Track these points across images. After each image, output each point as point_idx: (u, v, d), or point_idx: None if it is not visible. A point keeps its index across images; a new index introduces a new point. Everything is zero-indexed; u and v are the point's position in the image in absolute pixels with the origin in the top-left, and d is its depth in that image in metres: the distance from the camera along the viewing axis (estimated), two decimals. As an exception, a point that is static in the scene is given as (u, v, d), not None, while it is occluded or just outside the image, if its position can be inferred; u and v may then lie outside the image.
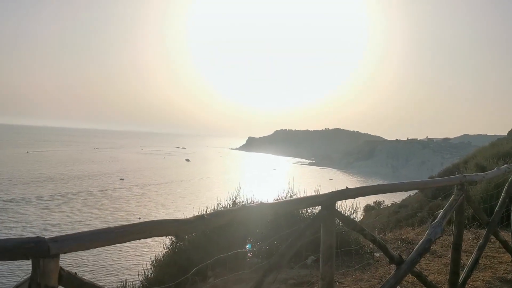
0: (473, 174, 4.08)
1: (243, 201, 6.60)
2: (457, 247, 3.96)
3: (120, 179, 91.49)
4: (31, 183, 74.49)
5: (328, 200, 2.73)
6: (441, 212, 3.66)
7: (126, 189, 79.33)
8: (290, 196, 6.94)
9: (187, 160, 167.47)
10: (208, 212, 7.23)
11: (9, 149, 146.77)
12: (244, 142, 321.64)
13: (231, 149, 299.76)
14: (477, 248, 4.47)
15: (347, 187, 2.93)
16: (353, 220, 2.96)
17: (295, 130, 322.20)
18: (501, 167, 4.80)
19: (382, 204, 52.98)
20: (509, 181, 4.91)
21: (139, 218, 55.05)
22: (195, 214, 2.43)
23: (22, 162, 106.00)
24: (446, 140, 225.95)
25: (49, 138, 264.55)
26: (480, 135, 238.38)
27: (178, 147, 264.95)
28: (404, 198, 49.25)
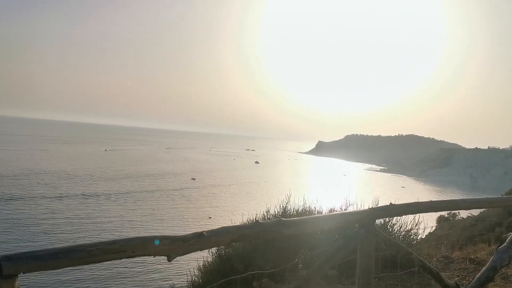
0: (554, 192, 3.49)
1: (293, 209, 6.27)
2: (530, 277, 3.38)
3: (192, 179, 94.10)
4: (111, 179, 78.75)
5: (367, 217, 2.36)
6: (510, 235, 3.12)
7: (197, 189, 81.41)
8: (346, 207, 6.50)
9: (256, 162, 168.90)
10: (260, 219, 6.99)
11: (89, 146, 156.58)
12: (313, 146, 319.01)
13: (301, 152, 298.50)
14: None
15: (390, 203, 2.53)
16: (396, 242, 2.55)
17: (366, 135, 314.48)
18: None
19: (457, 215, 50.00)
20: None
21: (210, 217, 56.24)
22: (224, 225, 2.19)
23: (101, 160, 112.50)
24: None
25: (124, 137, 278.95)
26: None
27: (248, 149, 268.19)
28: (482, 210, 46.17)
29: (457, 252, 6.96)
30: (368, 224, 2.36)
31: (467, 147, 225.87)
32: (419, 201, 2.66)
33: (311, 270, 2.26)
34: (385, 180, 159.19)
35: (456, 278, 5.50)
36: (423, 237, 7.57)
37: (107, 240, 1.55)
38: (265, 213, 6.17)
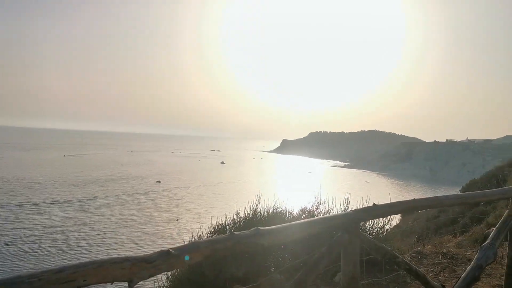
0: (532, 184, 3.40)
1: (264, 210, 6.05)
2: (512, 273, 3.29)
3: (157, 181, 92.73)
4: (73, 185, 76.51)
5: (350, 221, 2.15)
6: (493, 231, 3.00)
7: (163, 192, 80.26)
8: (317, 206, 6.33)
9: (222, 162, 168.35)
10: (230, 223, 6.73)
11: (47, 152, 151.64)
12: (278, 144, 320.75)
13: (266, 151, 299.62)
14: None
15: (374, 204, 2.34)
16: (382, 246, 2.36)
17: (330, 132, 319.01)
18: None
19: (420, 208, 51.29)
20: None
21: (177, 219, 55.54)
22: (185, 242, 1.95)
23: (62, 166, 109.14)
24: (487, 141, 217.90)
25: (86, 142, 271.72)
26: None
27: (213, 150, 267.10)
28: (443, 202, 47.41)
29: (428, 247, 6.92)
30: (352, 228, 2.16)
31: (427, 140, 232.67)
32: (402, 200, 2.48)
33: (293, 284, 2.03)
34: (350, 175, 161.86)
35: (431, 274, 5.43)
36: (387, 229, 7.51)
37: (53, 268, 1.27)
38: (235, 216, 5.92)
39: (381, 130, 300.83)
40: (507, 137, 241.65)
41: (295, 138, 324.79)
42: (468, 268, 2.74)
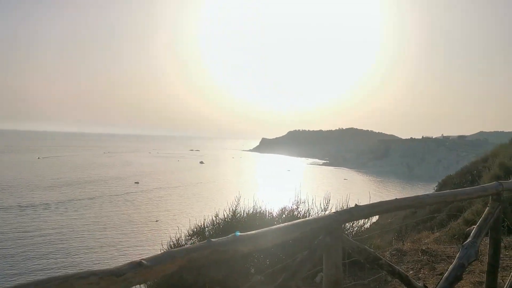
0: (510, 181, 3.39)
1: (243, 211, 5.96)
2: (493, 270, 3.27)
3: (135, 182, 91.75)
4: (48, 188, 75.00)
5: (332, 223, 2.08)
6: (474, 228, 2.98)
7: (142, 193, 79.37)
8: (297, 206, 6.27)
9: (201, 162, 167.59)
10: (209, 225, 6.63)
11: (20, 155, 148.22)
12: (257, 143, 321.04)
13: (245, 150, 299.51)
14: (516, 268, 3.77)
15: (356, 205, 2.27)
16: (365, 248, 2.30)
17: (308, 130, 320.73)
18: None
19: (398, 204, 52.00)
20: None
21: (157, 220, 55.03)
22: (163, 250, 1.82)
23: (35, 168, 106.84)
24: (461, 137, 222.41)
25: (59, 144, 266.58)
26: (497, 131, 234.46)
27: (192, 150, 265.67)
28: (420, 198, 48.15)
29: (408, 244, 6.94)
30: (335, 231, 2.09)
31: (403, 137, 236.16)
32: (384, 200, 2.43)
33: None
34: (328, 173, 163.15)
35: (411, 272, 5.43)
36: (368, 227, 7.50)
37: (11, 286, 1.16)
38: (214, 218, 5.82)
39: (358, 128, 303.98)
40: (480, 133, 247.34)
41: (274, 137, 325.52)
42: (450, 267, 2.70)
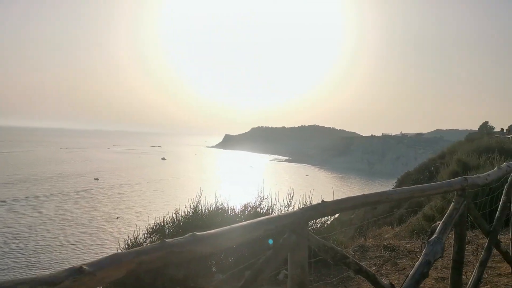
0: (475, 176, 3.37)
1: (205, 208, 5.77)
2: (458, 266, 3.24)
3: (95, 179, 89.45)
4: (2, 185, 72.01)
5: (297, 221, 1.95)
6: (439, 224, 2.92)
7: (102, 189, 77.42)
8: (260, 202, 6.14)
9: (163, 158, 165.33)
10: (168, 222, 6.39)
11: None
12: (220, 139, 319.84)
13: (208, 147, 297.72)
14: (478, 264, 3.76)
15: (322, 201, 2.15)
16: (332, 247, 2.18)
17: (271, 127, 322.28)
18: (502, 166, 4.10)
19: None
20: (508, 181, 4.25)
21: (117, 217, 53.84)
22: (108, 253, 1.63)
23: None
24: (419, 135, 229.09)
25: (15, 139, 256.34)
26: (452, 129, 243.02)
27: (154, 146, 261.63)
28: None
29: (370, 240, 6.96)
30: (300, 229, 1.95)
31: (364, 135, 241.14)
32: (352, 196, 2.32)
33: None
34: (291, 169, 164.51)
35: (374, 268, 5.41)
36: (329, 223, 7.48)
37: None
38: (174, 215, 5.60)
39: (320, 125, 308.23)
40: (437, 131, 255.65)
41: (238, 134, 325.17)
42: (417, 264, 2.63)
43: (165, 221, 5.55)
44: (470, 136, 36.09)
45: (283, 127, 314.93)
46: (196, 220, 5.61)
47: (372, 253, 6.05)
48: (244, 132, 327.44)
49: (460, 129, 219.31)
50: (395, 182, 37.71)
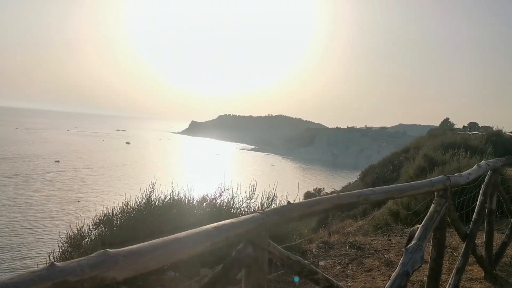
0: (457, 175, 3.03)
1: (159, 198, 5.27)
2: (435, 275, 2.90)
3: (55, 161, 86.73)
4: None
5: (256, 229, 1.52)
6: (418, 228, 2.56)
7: (62, 173, 75.13)
8: (221, 194, 5.69)
9: (128, 143, 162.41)
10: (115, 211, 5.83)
11: None
12: (187, 126, 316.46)
13: (174, 132, 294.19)
14: (455, 271, 3.45)
15: (288, 202, 1.73)
16: (298, 260, 1.76)
17: (239, 115, 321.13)
18: (481, 163, 3.81)
19: (322, 191, 53.26)
20: (486, 180, 3.97)
21: (79, 201, 52.37)
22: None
23: None
24: (383, 129, 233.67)
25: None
26: (415, 125, 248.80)
27: (118, 130, 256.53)
28: (344, 185, 49.76)
29: (335, 236, 6.63)
30: (259, 239, 1.52)
31: (329, 126, 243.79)
32: (324, 196, 1.90)
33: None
34: (256, 158, 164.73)
35: (339, 267, 5.08)
36: None
37: None
38: (124, 206, 5.07)
39: (287, 115, 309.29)
40: (400, 125, 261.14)
41: (204, 120, 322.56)
42: (393, 275, 2.25)
43: (114, 212, 5.02)
44: (432, 131, 36.67)
45: (251, 116, 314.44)
46: (150, 212, 5.11)
47: (336, 250, 5.72)
48: (211, 119, 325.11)
49: (422, 124, 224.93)
50: (359, 175, 38.02)
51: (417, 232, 2.54)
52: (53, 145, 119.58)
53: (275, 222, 1.59)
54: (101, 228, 4.97)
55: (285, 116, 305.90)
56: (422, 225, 2.58)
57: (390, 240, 6.23)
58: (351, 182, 47.33)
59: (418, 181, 2.61)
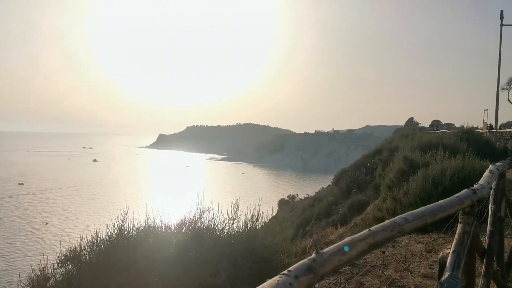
0: (478, 186, 2.66)
1: (133, 227, 4.72)
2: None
3: (19, 184, 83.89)
4: None
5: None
6: (449, 255, 2.15)
7: (28, 195, 72.77)
8: (201, 215, 5.18)
9: (95, 160, 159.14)
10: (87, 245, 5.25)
11: None
12: (154, 139, 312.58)
13: (141, 147, 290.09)
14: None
15: (317, 251, 1.28)
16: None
17: (207, 126, 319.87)
18: (491, 168, 3.47)
19: (296, 197, 53.10)
20: (493, 186, 3.63)
21: (46, 223, 50.59)
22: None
23: None
24: (350, 131, 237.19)
25: None
26: (381, 125, 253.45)
27: (85, 147, 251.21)
28: (317, 190, 49.74)
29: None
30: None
31: (298, 132, 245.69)
32: (353, 236, 1.46)
33: None
34: (227, 168, 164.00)
35: (336, 288, 4.63)
36: (267, 221, 6.64)
37: None
38: (93, 241, 4.47)
39: (256, 123, 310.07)
40: (367, 127, 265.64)
41: (172, 133, 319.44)
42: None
43: (81, 246, 4.44)
44: (403, 132, 36.93)
45: (219, 126, 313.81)
46: (122, 242, 4.56)
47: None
48: (179, 131, 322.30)
49: (387, 125, 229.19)
50: (332, 179, 37.98)
51: (448, 260, 2.13)
52: (15, 167, 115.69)
53: (307, 284, 1.14)
54: (68, 265, 4.38)
55: (254, 124, 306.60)
56: (453, 251, 2.18)
57: (384, 252, 5.84)
58: (324, 186, 47.32)
59: (446, 200, 2.21)
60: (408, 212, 1.91)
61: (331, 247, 1.34)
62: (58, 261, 4.40)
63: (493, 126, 28.39)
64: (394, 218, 1.74)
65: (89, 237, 4.58)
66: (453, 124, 60.29)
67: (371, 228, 1.54)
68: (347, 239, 1.43)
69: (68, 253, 4.44)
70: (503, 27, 30.05)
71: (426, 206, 2.07)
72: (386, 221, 1.68)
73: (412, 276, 4.62)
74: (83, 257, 4.41)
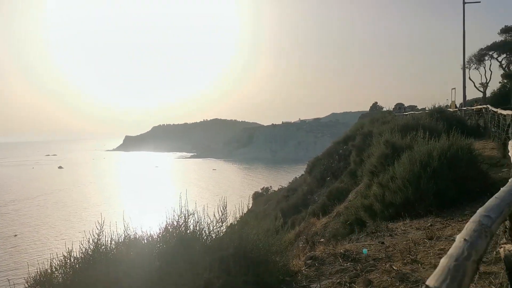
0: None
1: (110, 241, 4.15)
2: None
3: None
4: None
5: None
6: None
7: (-8, 208, 69.89)
8: (185, 221, 4.65)
9: (60, 167, 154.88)
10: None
11: None
12: (121, 141, 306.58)
13: (108, 150, 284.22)
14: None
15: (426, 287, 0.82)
16: None
17: (173, 124, 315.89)
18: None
19: (270, 190, 52.84)
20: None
21: (15, 235, 48.78)
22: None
23: None
24: (317, 120, 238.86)
25: None
26: (346, 112, 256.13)
27: (49, 155, 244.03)
28: (290, 181, 49.59)
29: (320, 248, 5.76)
30: None
31: (265, 124, 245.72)
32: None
33: None
34: (197, 165, 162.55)
35: (342, 289, 4.21)
36: (242, 215, 6.17)
37: None
38: (65, 260, 3.88)
39: (222, 118, 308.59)
40: (332, 114, 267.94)
41: (139, 134, 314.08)
42: None
43: (53, 267, 3.85)
44: (373, 116, 37.06)
45: (185, 123, 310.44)
46: (100, 258, 3.99)
47: (330, 266, 4.86)
48: (145, 131, 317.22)
49: (353, 111, 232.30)
50: (305, 169, 37.87)
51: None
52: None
53: None
54: (38, 291, 3.79)
55: (220, 119, 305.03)
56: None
57: (383, 243, 5.47)
58: (297, 176, 47.23)
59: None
60: (485, 206, 1.47)
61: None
62: (27, 286, 3.81)
63: (462, 105, 28.85)
64: (480, 218, 1.30)
65: (61, 256, 3.99)
66: (416, 106, 61.24)
67: (466, 239, 1.08)
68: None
69: (37, 276, 3.85)
70: (466, 4, 30.36)
71: (496, 196, 1.65)
72: (472, 225, 1.23)
73: (424, 268, 4.24)
74: (55, 280, 3.83)
